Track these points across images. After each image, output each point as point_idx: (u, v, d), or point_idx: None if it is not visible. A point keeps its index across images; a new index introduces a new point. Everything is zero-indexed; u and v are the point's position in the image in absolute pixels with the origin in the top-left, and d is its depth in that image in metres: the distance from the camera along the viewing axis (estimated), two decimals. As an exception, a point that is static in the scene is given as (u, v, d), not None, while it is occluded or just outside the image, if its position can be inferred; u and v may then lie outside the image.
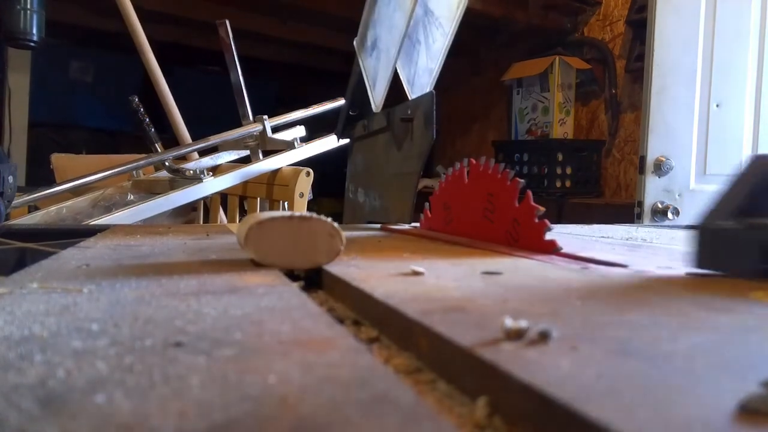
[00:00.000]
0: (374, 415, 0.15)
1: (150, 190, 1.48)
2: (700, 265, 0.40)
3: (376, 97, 0.96)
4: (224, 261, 0.43)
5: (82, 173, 1.31)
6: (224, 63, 1.59)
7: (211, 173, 1.41)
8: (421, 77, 0.89)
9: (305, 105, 1.70)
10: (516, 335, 0.21)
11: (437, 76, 0.90)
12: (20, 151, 2.80)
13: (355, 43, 1.02)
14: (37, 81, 2.99)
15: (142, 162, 1.43)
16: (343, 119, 1.15)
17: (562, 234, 0.75)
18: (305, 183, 1.37)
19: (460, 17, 0.85)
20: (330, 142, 1.56)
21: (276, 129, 1.60)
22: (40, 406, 0.15)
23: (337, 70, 3.98)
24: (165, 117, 1.69)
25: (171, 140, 1.68)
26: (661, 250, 0.57)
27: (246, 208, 1.54)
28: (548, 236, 0.50)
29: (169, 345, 0.21)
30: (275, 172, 1.45)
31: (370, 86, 0.98)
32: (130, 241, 0.57)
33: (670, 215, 1.66)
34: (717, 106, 1.73)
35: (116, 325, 0.24)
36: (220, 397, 0.16)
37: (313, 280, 0.40)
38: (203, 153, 1.64)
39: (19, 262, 0.65)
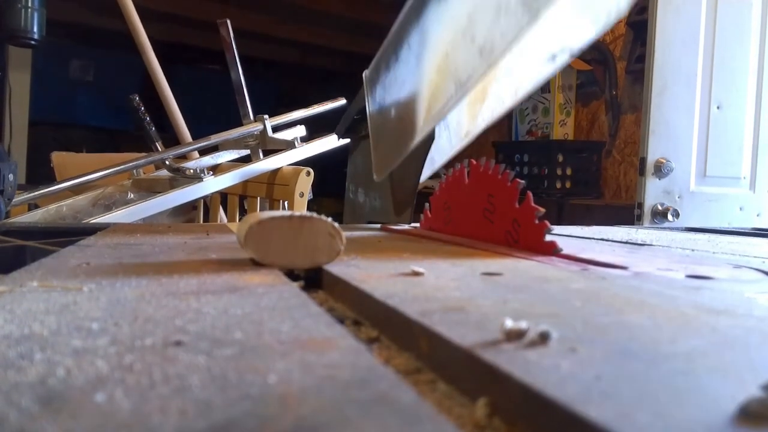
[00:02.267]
0: (374, 415, 0.15)
1: (150, 188, 1.48)
2: None
3: (377, 165, 0.89)
4: (224, 260, 0.43)
5: (82, 172, 1.31)
6: (225, 62, 1.59)
7: (211, 172, 1.41)
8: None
9: (305, 105, 1.70)
10: (516, 336, 0.22)
11: (438, 168, 0.87)
12: (20, 150, 2.80)
13: (364, 76, 0.94)
14: (38, 79, 3.00)
15: (142, 161, 1.43)
16: (347, 122, 1.14)
17: (562, 235, 0.75)
18: (305, 183, 1.37)
19: (467, 143, 0.81)
20: (330, 142, 1.56)
21: (276, 128, 1.60)
22: (39, 405, 0.15)
23: (337, 70, 3.99)
24: (165, 116, 1.69)
25: (171, 139, 1.68)
26: (661, 252, 0.57)
27: (246, 208, 1.54)
28: (548, 237, 0.50)
29: (169, 344, 0.21)
30: (275, 172, 1.45)
31: (372, 146, 0.91)
32: (130, 240, 0.57)
33: (670, 217, 1.66)
34: (717, 107, 1.73)
35: (116, 324, 0.24)
36: (220, 397, 0.16)
37: (313, 280, 0.40)
38: (203, 152, 1.64)
39: (19, 260, 0.65)
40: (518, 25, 0.54)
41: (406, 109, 0.77)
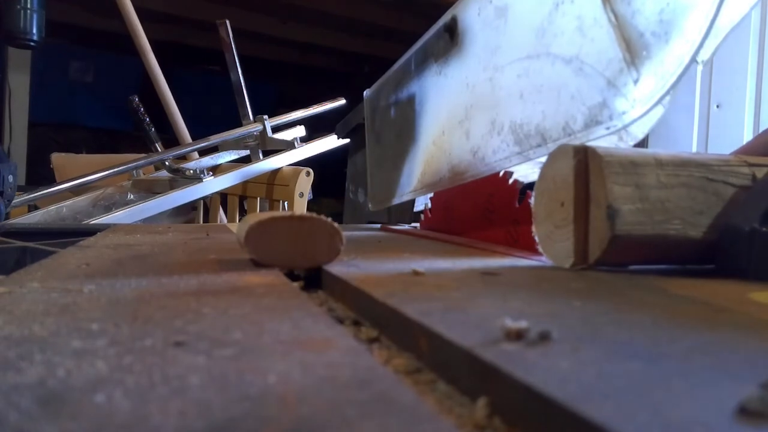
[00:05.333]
0: (374, 415, 0.15)
1: (150, 189, 1.48)
2: (724, 268, 0.39)
3: (372, 197, 0.87)
4: (224, 261, 0.43)
5: (82, 173, 1.31)
6: (224, 63, 1.59)
7: (211, 173, 1.41)
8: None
9: (305, 105, 1.70)
10: (516, 336, 0.21)
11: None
12: (20, 151, 2.80)
13: (365, 95, 0.91)
14: (38, 81, 3.00)
15: (142, 161, 1.43)
16: (347, 128, 1.13)
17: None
18: (305, 183, 1.37)
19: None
20: (330, 142, 1.56)
21: (276, 129, 1.60)
22: (39, 406, 0.15)
23: (337, 70, 3.99)
24: (165, 117, 1.69)
25: (171, 140, 1.68)
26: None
27: (246, 208, 1.54)
28: (548, 237, 0.50)
29: (168, 345, 0.21)
30: (275, 172, 1.45)
31: (369, 174, 0.89)
32: (130, 241, 0.57)
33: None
34: (717, 107, 1.73)
35: (116, 325, 0.24)
36: (220, 397, 0.16)
37: (313, 280, 0.40)
38: (203, 153, 1.64)
39: (19, 261, 0.65)
40: (509, 151, 0.52)
41: (401, 161, 0.75)
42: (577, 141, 0.44)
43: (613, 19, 0.42)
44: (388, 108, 0.81)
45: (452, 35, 0.62)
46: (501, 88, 0.54)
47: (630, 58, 0.41)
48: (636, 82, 0.40)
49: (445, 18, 0.64)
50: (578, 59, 0.45)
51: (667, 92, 0.39)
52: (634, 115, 0.40)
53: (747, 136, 1.78)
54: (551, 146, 0.47)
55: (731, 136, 1.76)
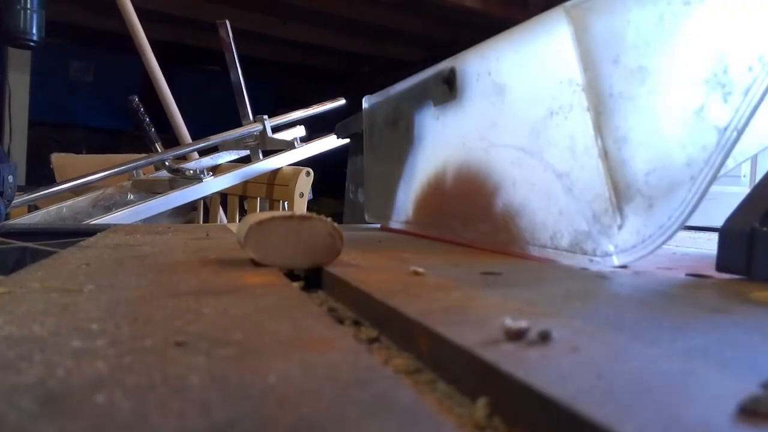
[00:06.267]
0: (374, 415, 0.15)
1: (150, 189, 1.48)
2: (725, 268, 0.39)
3: (368, 207, 0.87)
4: (224, 261, 0.43)
5: (82, 173, 1.31)
6: (224, 63, 1.59)
7: (211, 173, 1.41)
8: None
9: (305, 105, 1.70)
10: (516, 335, 0.21)
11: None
12: (20, 151, 2.80)
13: (364, 101, 0.90)
14: (37, 81, 3.00)
15: (142, 162, 1.43)
16: (347, 130, 1.13)
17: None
18: (305, 183, 1.37)
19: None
20: (330, 142, 1.56)
21: (276, 129, 1.60)
22: (39, 406, 0.15)
23: (337, 70, 3.99)
24: (165, 117, 1.69)
25: (171, 140, 1.68)
26: (661, 251, 0.57)
27: (246, 208, 1.54)
28: (548, 237, 0.50)
29: (168, 345, 0.21)
30: (275, 172, 1.45)
31: (365, 185, 0.89)
32: (130, 241, 0.57)
33: (670, 216, 1.66)
34: (717, 106, 1.72)
35: (116, 325, 0.24)
36: (220, 397, 0.16)
37: (313, 280, 0.40)
38: (203, 153, 1.64)
39: (19, 261, 0.65)
40: (500, 234, 0.51)
41: (396, 186, 0.75)
42: (563, 258, 0.44)
43: (603, 155, 0.41)
44: (386, 127, 0.81)
45: (450, 87, 0.62)
46: (496, 166, 0.54)
47: (616, 202, 0.40)
48: (620, 228, 0.40)
49: (444, 68, 0.63)
50: (568, 178, 0.44)
51: (647, 254, 0.38)
52: (615, 262, 0.40)
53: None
54: (541, 251, 0.47)
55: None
